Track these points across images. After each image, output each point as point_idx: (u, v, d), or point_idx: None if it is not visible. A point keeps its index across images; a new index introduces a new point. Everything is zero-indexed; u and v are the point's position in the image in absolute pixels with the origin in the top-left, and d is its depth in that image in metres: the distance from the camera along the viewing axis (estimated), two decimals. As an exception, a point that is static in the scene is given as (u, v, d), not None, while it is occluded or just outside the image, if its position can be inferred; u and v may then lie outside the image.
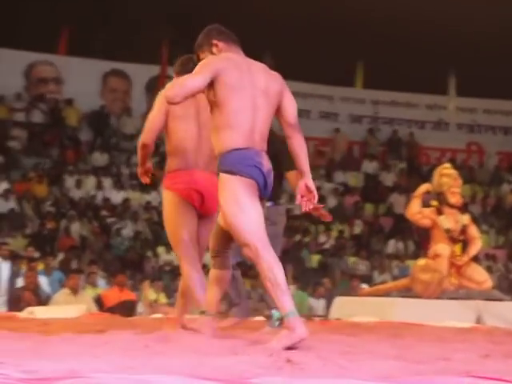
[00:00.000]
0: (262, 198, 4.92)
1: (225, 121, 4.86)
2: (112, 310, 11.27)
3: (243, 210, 4.77)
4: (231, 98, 4.86)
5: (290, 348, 4.46)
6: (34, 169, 20.38)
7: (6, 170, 19.83)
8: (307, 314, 13.89)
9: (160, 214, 20.70)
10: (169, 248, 19.13)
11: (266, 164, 4.92)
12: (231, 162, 4.83)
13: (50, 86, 22.65)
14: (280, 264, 4.74)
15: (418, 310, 9.69)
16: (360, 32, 23.14)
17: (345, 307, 10.74)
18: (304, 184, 5.12)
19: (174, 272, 17.82)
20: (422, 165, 25.10)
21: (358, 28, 23.04)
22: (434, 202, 11.19)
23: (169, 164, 5.91)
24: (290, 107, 5.09)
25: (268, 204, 5.95)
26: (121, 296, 12.47)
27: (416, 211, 11.10)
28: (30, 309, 9.55)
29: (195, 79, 4.85)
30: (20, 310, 10.04)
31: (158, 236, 19.55)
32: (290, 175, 6.70)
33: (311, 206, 5.13)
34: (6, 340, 4.90)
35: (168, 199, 5.83)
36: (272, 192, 5.15)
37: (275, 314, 6.62)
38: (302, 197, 5.09)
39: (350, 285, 16.34)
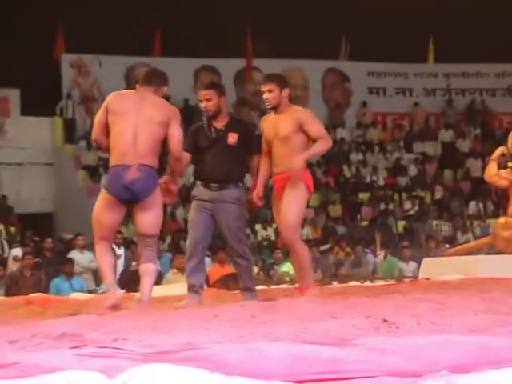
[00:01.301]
0: (135, 201, 5.83)
1: (111, 142, 5.84)
2: (216, 284, 11.36)
3: (97, 213, 5.94)
4: (115, 124, 5.81)
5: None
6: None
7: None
8: (398, 276, 13.78)
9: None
10: (265, 225, 19.30)
11: (131, 176, 5.74)
12: (106, 178, 6.09)
13: (147, 85, 22.93)
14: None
15: (501, 266, 9.51)
16: (428, 7, 22.75)
17: (432, 268, 10.62)
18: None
19: (271, 247, 17.92)
20: (496, 130, 24.66)
21: (427, 3, 22.67)
22: (510, 164, 10.95)
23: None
24: (173, 138, 5.85)
25: (234, 185, 6.52)
26: (222, 271, 12.57)
27: (493, 173, 10.87)
28: (145, 288, 9.65)
29: (97, 115, 5.95)
30: (136, 290, 10.19)
31: (254, 214, 19.68)
32: (253, 158, 6.68)
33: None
34: (127, 318, 4.98)
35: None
36: (240, 174, 6.52)
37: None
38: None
39: (427, 246, 16.21)
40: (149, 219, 5.91)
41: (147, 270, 5.99)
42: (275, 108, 6.56)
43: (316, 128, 6.47)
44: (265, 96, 6.49)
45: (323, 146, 6.50)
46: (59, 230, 19.68)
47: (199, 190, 6.58)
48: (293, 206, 6.45)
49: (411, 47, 23.41)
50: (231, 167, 6.47)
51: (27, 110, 21.46)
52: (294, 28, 23.94)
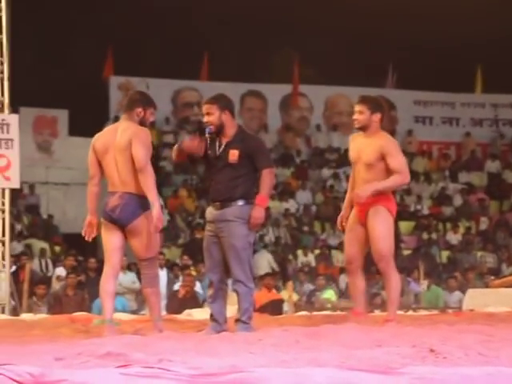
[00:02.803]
0: (122, 225, 6.14)
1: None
2: (262, 309, 11.32)
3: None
4: (102, 161, 6.25)
5: None
6: (183, 185, 20.78)
7: (159, 188, 20.21)
8: (442, 307, 13.64)
9: (298, 220, 21.06)
10: (306, 251, 19.27)
11: (112, 203, 6.13)
12: None
13: (194, 109, 23.13)
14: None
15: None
16: (477, 36, 22.64)
17: (477, 299, 10.48)
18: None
19: (311, 272, 17.86)
20: (543, 162, 24.38)
21: (475, 32, 22.55)
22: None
23: None
24: (136, 154, 6.08)
25: (240, 203, 6.24)
26: (269, 296, 12.52)
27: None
28: (188, 311, 9.69)
29: (88, 157, 6.40)
30: (179, 312, 10.20)
31: (296, 240, 19.62)
32: (262, 173, 6.32)
33: None
34: (171, 340, 4.98)
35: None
36: (244, 191, 6.21)
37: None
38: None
39: (471, 277, 16.02)
40: (138, 244, 6.17)
41: (145, 295, 6.29)
42: (363, 129, 6.53)
43: (396, 161, 6.40)
44: (354, 116, 6.52)
45: (398, 180, 6.46)
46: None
47: (208, 210, 6.46)
48: (383, 234, 6.44)
49: (459, 76, 23.29)
50: (233, 185, 6.21)
51: (75, 130, 21.68)
52: (340, 55, 23.97)
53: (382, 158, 6.42)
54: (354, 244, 6.60)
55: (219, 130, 6.29)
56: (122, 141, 6.14)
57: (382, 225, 6.44)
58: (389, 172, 6.45)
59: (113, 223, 6.15)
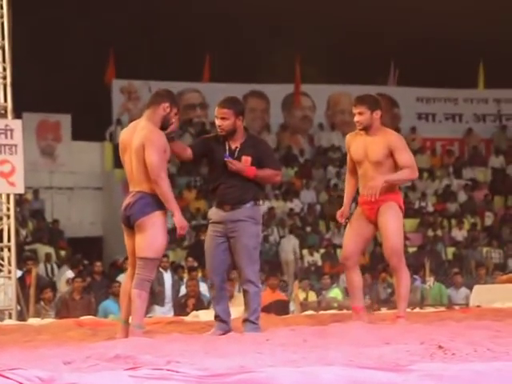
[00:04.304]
0: (133, 222, 6.02)
1: None
2: (266, 309, 11.31)
3: None
4: (122, 159, 6.16)
5: None
6: (187, 186, 20.78)
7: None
8: (448, 303, 13.63)
9: (302, 219, 21.06)
10: (312, 250, 19.27)
11: (126, 202, 6.09)
12: None
13: (196, 111, 23.15)
14: None
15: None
16: (478, 32, 22.61)
17: (484, 295, 10.47)
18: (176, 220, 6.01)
19: (319, 272, 17.86)
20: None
21: (477, 28, 22.53)
22: None
23: None
24: (150, 162, 5.94)
25: (249, 205, 6.31)
26: (273, 296, 12.51)
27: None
28: (194, 313, 9.69)
29: None
30: (185, 314, 10.20)
31: (301, 240, 19.61)
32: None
33: None
34: (178, 342, 4.98)
35: None
36: (254, 194, 6.29)
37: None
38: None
39: (477, 274, 16.01)
40: (140, 240, 5.97)
41: (132, 295, 5.95)
42: (366, 129, 6.52)
43: (405, 157, 6.44)
44: (356, 118, 6.49)
45: (408, 174, 6.50)
46: (108, 254, 19.83)
47: (213, 211, 6.45)
48: (395, 230, 6.47)
49: (461, 72, 23.27)
50: (245, 189, 6.28)
51: (78, 134, 21.71)
52: (342, 53, 23.96)
53: (391, 154, 6.43)
54: (356, 240, 6.62)
55: (229, 135, 6.32)
56: (136, 142, 5.98)
57: (394, 221, 6.47)
58: (397, 169, 6.48)
59: (128, 226, 6.08)
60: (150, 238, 5.95)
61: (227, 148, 6.35)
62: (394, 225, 6.46)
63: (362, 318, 6.43)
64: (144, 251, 5.94)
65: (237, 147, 6.33)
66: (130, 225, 6.05)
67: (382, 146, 6.44)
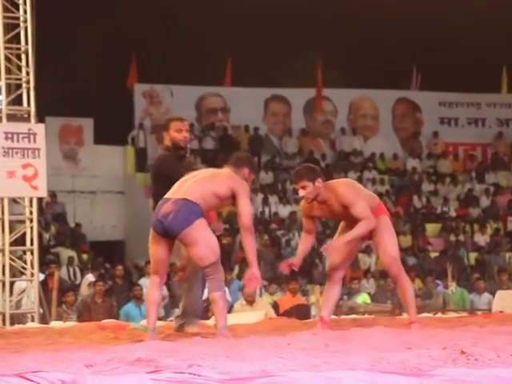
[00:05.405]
0: (172, 236, 6.00)
1: None
2: (287, 313, 11.30)
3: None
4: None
5: None
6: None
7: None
8: (470, 309, 13.55)
9: (323, 224, 21.01)
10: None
11: (164, 209, 5.98)
12: None
13: (218, 115, 23.18)
14: None
15: None
16: (501, 36, 22.52)
17: (507, 300, 10.41)
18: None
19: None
20: None
21: (500, 33, 22.44)
22: None
23: None
24: (244, 211, 6.09)
25: None
26: (293, 301, 12.51)
27: None
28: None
29: None
30: (207, 318, 10.20)
31: (323, 244, 19.54)
32: None
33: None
34: (200, 345, 4.99)
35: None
36: None
37: None
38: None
39: (500, 279, 15.91)
40: (197, 252, 6.01)
41: (212, 299, 6.13)
42: (316, 199, 6.51)
43: (358, 210, 6.43)
44: (301, 193, 6.47)
45: (365, 226, 6.47)
46: (130, 258, 19.89)
47: None
48: (392, 240, 6.64)
49: (484, 77, 23.17)
50: None
51: (100, 139, 21.81)
52: (364, 57, 23.93)
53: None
54: (346, 252, 6.67)
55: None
56: (220, 173, 6.18)
57: (388, 232, 6.65)
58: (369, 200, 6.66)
59: (161, 235, 6.02)
60: (205, 243, 5.99)
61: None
62: (389, 236, 6.63)
63: (326, 331, 6.39)
64: (206, 259, 6.02)
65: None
66: (168, 234, 5.99)
67: (337, 205, 6.49)
